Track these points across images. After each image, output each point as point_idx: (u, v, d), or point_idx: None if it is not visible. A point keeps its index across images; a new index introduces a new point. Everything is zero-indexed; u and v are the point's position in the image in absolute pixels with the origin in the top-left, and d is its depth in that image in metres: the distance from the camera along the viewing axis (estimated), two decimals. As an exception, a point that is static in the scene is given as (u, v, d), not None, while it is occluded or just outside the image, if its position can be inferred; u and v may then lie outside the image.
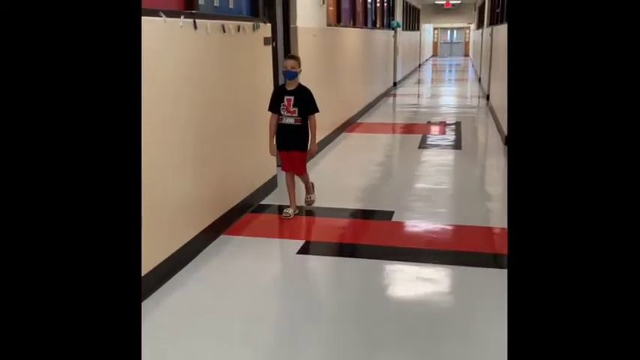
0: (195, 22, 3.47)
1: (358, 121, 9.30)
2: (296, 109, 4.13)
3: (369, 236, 4.14)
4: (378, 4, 12.28)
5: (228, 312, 2.96)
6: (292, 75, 4.13)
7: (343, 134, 8.07)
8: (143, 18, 2.88)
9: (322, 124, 6.97)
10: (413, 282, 3.32)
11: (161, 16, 3.11)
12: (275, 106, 4.20)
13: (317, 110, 4.22)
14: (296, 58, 4.20)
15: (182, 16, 3.34)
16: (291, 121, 4.16)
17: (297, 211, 4.37)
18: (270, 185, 5.07)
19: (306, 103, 4.15)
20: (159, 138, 3.13)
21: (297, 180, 4.51)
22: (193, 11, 3.58)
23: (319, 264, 3.66)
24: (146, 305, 2.93)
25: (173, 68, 3.30)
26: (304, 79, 4.44)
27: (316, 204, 4.70)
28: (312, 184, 4.64)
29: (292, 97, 4.12)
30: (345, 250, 3.91)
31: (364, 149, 7.38)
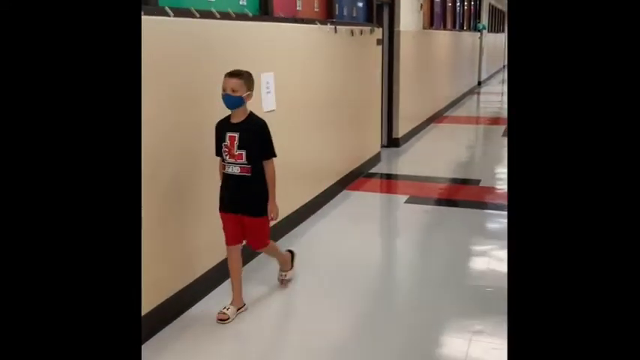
0: (335, 27, 4.72)
1: (445, 114, 10.30)
2: (242, 153, 2.70)
3: (461, 194, 5.25)
4: (465, 8, 13.18)
5: (360, 234, 4.19)
6: (234, 102, 2.66)
7: (432, 125, 9.12)
8: (304, 25, 4.15)
9: (414, 114, 8.14)
10: (498, 223, 4.39)
11: (316, 24, 4.37)
12: (218, 147, 2.80)
13: (273, 154, 2.79)
14: (240, 76, 2.67)
15: (328, 24, 4.60)
16: (235, 170, 2.73)
17: (243, 308, 2.92)
18: (376, 159, 6.26)
19: (256, 142, 2.72)
20: (305, 117, 4.40)
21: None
22: (334, 19, 4.82)
23: (422, 209, 4.80)
24: (305, 227, 4.21)
25: (323, 60, 4.56)
26: (402, 80, 5.52)
27: (418, 171, 5.85)
28: (292, 253, 3.29)
29: (237, 135, 2.70)
30: (442, 202, 5.03)
31: (452, 137, 8.41)
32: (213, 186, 2.91)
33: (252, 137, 2.71)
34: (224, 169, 2.79)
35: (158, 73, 2.63)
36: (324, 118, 4.72)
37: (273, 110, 3.71)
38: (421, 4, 7.98)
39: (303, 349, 2.64)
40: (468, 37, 13.62)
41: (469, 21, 13.78)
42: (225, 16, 3.18)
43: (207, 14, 3.01)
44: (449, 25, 11.05)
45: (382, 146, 6.73)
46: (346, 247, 3.90)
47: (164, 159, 2.74)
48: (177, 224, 2.88)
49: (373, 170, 6.06)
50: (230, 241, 2.86)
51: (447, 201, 5.06)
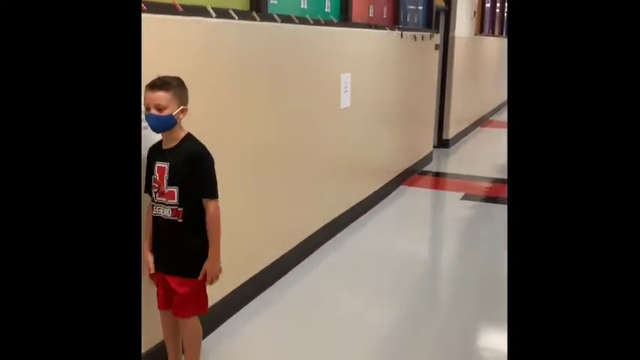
0: (402, 33, 5.07)
1: (490, 118, 10.53)
2: (174, 190, 2.06)
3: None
4: (512, 15, 13.32)
5: (420, 224, 4.53)
6: (162, 123, 2.03)
7: (478, 128, 9.38)
8: (376, 31, 4.52)
9: (463, 117, 8.43)
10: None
11: (386, 29, 4.73)
12: (147, 181, 2.15)
13: (215, 193, 2.11)
14: (168, 86, 2.01)
15: (396, 29, 4.96)
16: (166, 213, 2.09)
17: None
18: (428, 158, 6.59)
19: (192, 176, 2.07)
20: (373, 115, 4.76)
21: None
22: (400, 26, 5.17)
23: (476, 204, 5.11)
24: (368, 216, 4.58)
25: (390, 63, 4.92)
26: (454, 84, 5.79)
27: (467, 170, 6.17)
28: None
29: (167, 165, 2.07)
30: (491, 199, 5.34)
31: (497, 140, 8.65)
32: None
33: (186, 169, 2.04)
34: (153, 211, 2.11)
35: (266, 69, 3.04)
36: (388, 117, 5.07)
37: (348, 107, 4.09)
38: (474, 11, 8.27)
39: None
40: (514, 44, 13.76)
41: (515, 27, 13.90)
42: (317, 22, 3.57)
43: (303, 20, 3.40)
44: (496, 31, 11.27)
45: (433, 146, 7.05)
46: (410, 237, 4.25)
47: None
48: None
49: (426, 168, 6.39)
50: (160, 305, 2.22)
51: (495, 198, 5.36)
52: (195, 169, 2.06)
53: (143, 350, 2.30)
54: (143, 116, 2.00)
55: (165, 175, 2.05)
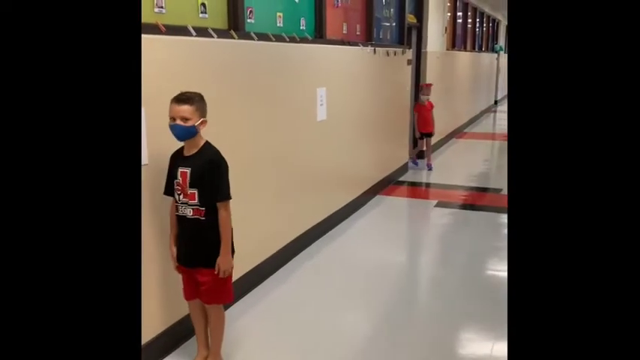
0: (375, 49, 5.29)
1: (465, 130, 10.84)
2: (195, 192, 2.35)
3: (484, 200, 5.77)
4: (484, 30, 13.76)
5: (397, 231, 4.71)
6: (185, 132, 2.31)
7: (453, 139, 9.65)
8: (349, 47, 4.73)
9: (437, 129, 8.70)
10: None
11: (359, 45, 4.95)
12: (170, 185, 2.44)
13: (227, 195, 2.38)
14: (191, 101, 2.29)
15: (369, 45, 5.18)
16: (188, 212, 2.38)
17: None
18: (403, 169, 6.80)
19: (209, 179, 2.35)
20: (348, 128, 4.96)
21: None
22: (373, 42, 5.40)
23: (450, 212, 5.32)
24: (347, 224, 4.75)
25: (363, 78, 5.13)
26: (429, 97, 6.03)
27: (442, 180, 6.39)
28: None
29: (188, 170, 2.35)
30: (468, 206, 5.55)
31: (472, 151, 8.94)
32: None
33: (204, 173, 2.33)
34: (177, 210, 2.42)
35: (245, 85, 3.21)
36: (363, 129, 5.27)
37: (324, 120, 4.28)
38: (445, 27, 8.58)
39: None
40: (486, 58, 14.18)
41: (487, 42, 14.35)
42: (292, 39, 3.76)
43: (279, 38, 3.59)
44: (469, 46, 11.63)
45: (409, 157, 7.28)
46: (387, 244, 4.44)
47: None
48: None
49: (401, 179, 6.60)
50: (187, 295, 2.56)
51: (472, 205, 5.58)
52: (211, 174, 2.34)
53: (166, 325, 2.74)
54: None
55: (188, 178, 2.34)
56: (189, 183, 2.34)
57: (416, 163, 7.33)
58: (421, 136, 7.21)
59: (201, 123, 2.33)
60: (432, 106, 7.18)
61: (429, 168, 7.15)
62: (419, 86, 7.31)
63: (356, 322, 3.11)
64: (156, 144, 2.48)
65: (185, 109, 2.26)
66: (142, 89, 2.26)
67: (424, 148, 7.31)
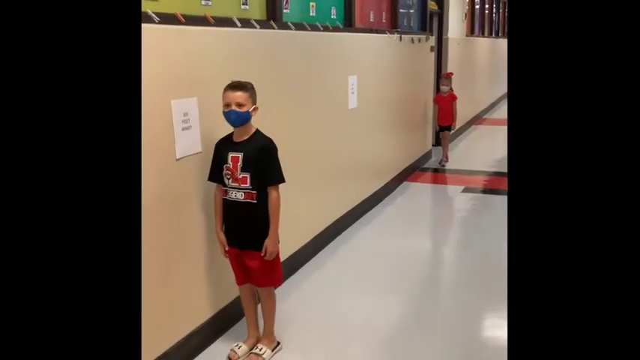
0: (400, 36, 5.34)
1: (484, 117, 10.83)
2: (247, 176, 2.41)
3: (505, 185, 5.80)
4: (500, 15, 13.69)
5: (427, 214, 4.78)
6: (241, 118, 2.39)
7: (473, 126, 9.67)
8: (377, 35, 4.78)
9: (458, 116, 8.69)
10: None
11: (386, 33, 5.01)
12: (216, 171, 2.50)
13: (280, 179, 2.47)
14: (245, 88, 2.39)
15: (395, 33, 5.23)
16: (239, 196, 2.44)
17: (260, 350, 2.63)
18: (427, 155, 6.87)
19: (262, 164, 2.42)
20: (377, 115, 5.02)
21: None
22: (398, 29, 5.45)
23: (477, 196, 5.38)
24: (385, 203, 4.83)
25: (390, 65, 5.19)
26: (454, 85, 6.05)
27: (461, 166, 6.42)
28: (279, 343, 2.72)
29: (240, 155, 2.41)
30: (490, 191, 5.61)
31: (492, 137, 8.95)
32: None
33: (257, 158, 2.40)
34: (225, 194, 2.47)
35: (282, 73, 3.29)
36: (391, 116, 5.34)
37: (355, 107, 4.35)
38: (465, 14, 8.57)
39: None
40: (503, 43, 14.11)
41: (504, 28, 14.28)
42: (326, 28, 3.83)
43: (314, 27, 3.66)
44: (486, 32, 11.60)
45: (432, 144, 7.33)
46: (420, 229, 4.51)
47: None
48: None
49: (426, 165, 6.66)
50: (239, 280, 2.62)
51: (500, 190, 5.65)
52: (264, 159, 2.41)
53: (214, 311, 2.81)
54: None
55: (239, 163, 2.40)
56: (241, 167, 2.39)
57: (444, 166, 6.72)
58: (440, 129, 6.69)
59: (254, 109, 2.42)
60: (453, 98, 6.57)
61: (442, 164, 6.61)
62: (440, 76, 7.18)
63: (391, 304, 3.20)
64: (208, 132, 2.57)
65: (240, 95, 2.34)
66: (193, 79, 2.36)
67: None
